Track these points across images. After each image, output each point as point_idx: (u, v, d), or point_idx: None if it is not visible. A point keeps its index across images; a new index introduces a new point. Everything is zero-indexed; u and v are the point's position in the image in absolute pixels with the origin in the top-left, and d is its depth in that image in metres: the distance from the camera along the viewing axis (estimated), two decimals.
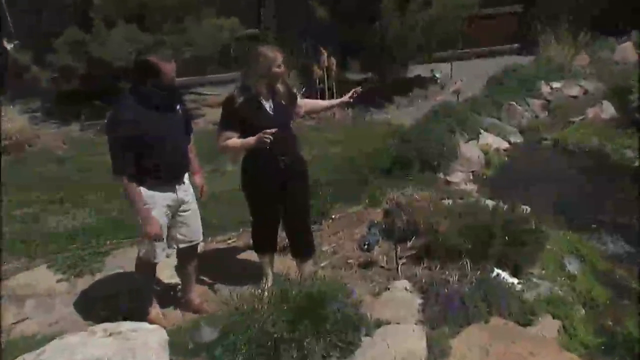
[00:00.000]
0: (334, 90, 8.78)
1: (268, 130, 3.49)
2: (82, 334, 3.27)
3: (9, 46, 8.74)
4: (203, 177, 3.99)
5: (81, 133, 8.14)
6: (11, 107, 8.71)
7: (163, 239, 3.59)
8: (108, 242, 4.98)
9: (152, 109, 3.43)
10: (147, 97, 3.42)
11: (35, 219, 5.65)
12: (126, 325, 3.31)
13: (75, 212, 5.79)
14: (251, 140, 3.59)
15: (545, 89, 9.58)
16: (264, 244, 4.09)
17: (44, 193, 6.24)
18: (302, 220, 4.02)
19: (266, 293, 3.28)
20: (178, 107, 3.64)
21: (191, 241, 3.86)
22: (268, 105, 3.71)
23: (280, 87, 3.75)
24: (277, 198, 3.85)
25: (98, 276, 4.51)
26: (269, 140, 3.49)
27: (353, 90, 3.90)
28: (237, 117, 3.68)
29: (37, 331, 3.90)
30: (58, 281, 4.42)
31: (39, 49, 8.06)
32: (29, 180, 6.63)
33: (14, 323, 4.00)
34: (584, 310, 4.01)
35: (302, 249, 4.09)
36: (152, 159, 3.46)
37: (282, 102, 3.76)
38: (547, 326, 3.67)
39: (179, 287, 4.19)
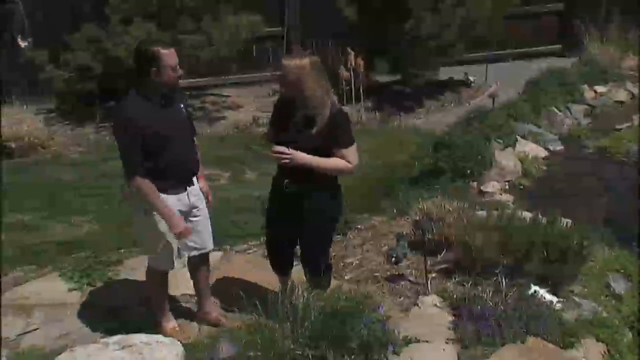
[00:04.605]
0: (362, 92, 8.79)
1: (285, 150, 3.41)
2: (94, 346, 3.32)
3: (23, 44, 8.89)
4: (206, 182, 3.98)
5: (96, 135, 8.25)
6: (24, 107, 8.87)
7: (190, 234, 3.62)
8: (123, 250, 5.03)
9: (156, 103, 3.49)
10: (150, 90, 3.47)
11: (43, 225, 5.72)
12: (140, 338, 3.34)
13: (86, 217, 5.87)
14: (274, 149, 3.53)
15: (588, 93, 9.44)
16: (272, 262, 4.04)
17: (52, 198, 6.34)
18: (308, 252, 3.81)
19: (286, 308, 3.28)
20: (182, 106, 3.68)
21: (202, 249, 3.88)
22: (294, 124, 3.55)
23: (324, 115, 3.47)
24: (282, 220, 3.74)
25: (111, 285, 4.56)
26: (282, 162, 3.45)
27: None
28: (275, 116, 3.75)
29: (47, 343, 3.94)
30: (70, 290, 4.48)
31: (54, 47, 8.20)
32: (40, 184, 6.74)
33: (21, 334, 4.04)
34: (631, 334, 3.92)
35: (309, 281, 3.81)
36: (161, 158, 3.48)
37: (313, 131, 3.47)
38: (590, 350, 3.60)
39: (196, 298, 4.21)
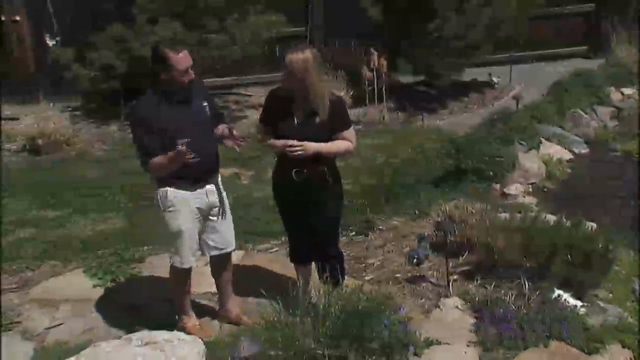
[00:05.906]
0: (384, 93, 8.76)
1: (296, 142, 3.50)
2: (117, 342, 3.35)
3: (51, 43, 9.02)
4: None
5: (121, 133, 8.33)
6: (51, 105, 9.00)
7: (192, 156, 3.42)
8: (145, 248, 5.08)
9: (169, 102, 3.52)
10: (162, 89, 3.53)
11: (68, 222, 5.79)
12: (162, 335, 3.36)
13: (110, 215, 5.92)
14: (277, 143, 3.63)
15: (615, 95, 9.30)
16: (294, 254, 4.08)
17: (77, 194, 6.41)
18: (322, 241, 3.87)
19: (305, 306, 3.28)
20: (205, 104, 3.68)
21: (223, 249, 3.89)
22: (297, 116, 3.63)
23: (326, 104, 3.58)
24: (297, 211, 3.80)
25: (134, 282, 4.61)
26: (295, 154, 3.50)
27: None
28: (269, 112, 3.77)
29: (71, 338, 3.99)
30: (94, 286, 4.53)
31: (80, 46, 8.30)
32: (65, 181, 6.82)
33: (47, 328, 4.11)
34: None
35: (323, 272, 3.85)
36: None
37: (317, 120, 3.60)
38: (616, 356, 3.56)
39: (217, 297, 4.23)
